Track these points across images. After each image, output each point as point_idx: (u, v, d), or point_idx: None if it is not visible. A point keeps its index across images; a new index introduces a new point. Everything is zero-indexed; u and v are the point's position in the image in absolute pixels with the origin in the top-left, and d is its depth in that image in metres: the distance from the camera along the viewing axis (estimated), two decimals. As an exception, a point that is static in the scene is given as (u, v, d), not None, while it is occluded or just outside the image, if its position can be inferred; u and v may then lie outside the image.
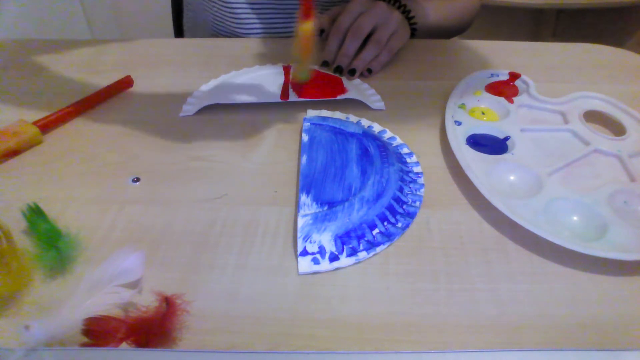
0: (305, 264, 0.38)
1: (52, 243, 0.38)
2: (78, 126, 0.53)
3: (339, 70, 0.60)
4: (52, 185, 0.46)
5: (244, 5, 0.70)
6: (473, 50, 0.67)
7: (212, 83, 0.59)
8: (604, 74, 0.62)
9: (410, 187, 0.45)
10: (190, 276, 0.38)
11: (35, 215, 0.40)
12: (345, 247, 0.39)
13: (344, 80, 0.59)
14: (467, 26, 0.78)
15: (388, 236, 0.40)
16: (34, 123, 0.51)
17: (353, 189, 0.43)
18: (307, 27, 0.49)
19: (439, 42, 0.68)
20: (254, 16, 0.71)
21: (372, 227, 0.41)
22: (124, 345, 0.32)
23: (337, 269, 0.38)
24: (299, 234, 0.40)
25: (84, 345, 0.32)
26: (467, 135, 0.50)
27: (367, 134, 0.49)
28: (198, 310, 0.35)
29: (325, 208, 0.41)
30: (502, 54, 0.65)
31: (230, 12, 0.70)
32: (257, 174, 0.47)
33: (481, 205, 0.43)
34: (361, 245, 0.40)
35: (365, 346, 0.33)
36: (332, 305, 0.36)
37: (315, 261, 0.38)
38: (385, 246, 0.40)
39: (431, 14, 0.70)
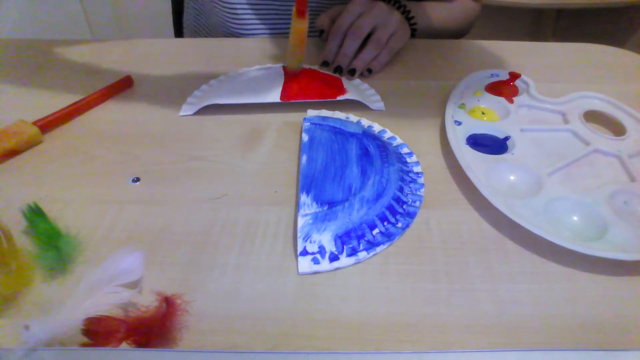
0: (305, 263, 0.38)
1: (52, 243, 0.38)
2: (78, 126, 0.53)
3: (338, 70, 0.60)
4: (52, 185, 0.46)
5: (245, 6, 0.70)
6: (473, 50, 0.67)
7: (212, 83, 0.59)
8: (604, 74, 0.62)
9: (410, 187, 0.45)
10: (190, 276, 0.38)
11: (35, 215, 0.40)
12: (345, 247, 0.39)
13: (344, 80, 0.59)
14: (467, 30, 0.78)
15: (388, 236, 0.40)
16: (34, 123, 0.51)
17: (353, 188, 0.43)
18: (301, 26, 0.51)
19: (439, 42, 0.68)
20: (254, 16, 0.71)
21: (372, 227, 0.41)
22: (124, 345, 0.32)
23: (337, 269, 0.38)
24: (299, 234, 0.40)
25: (84, 345, 0.32)
26: (467, 135, 0.50)
27: (367, 134, 0.49)
28: (198, 310, 0.35)
29: (325, 208, 0.41)
30: (502, 54, 0.65)
31: (231, 13, 0.70)
32: (257, 174, 0.47)
33: (481, 205, 0.43)
34: (361, 245, 0.40)
35: (365, 346, 0.33)
36: (332, 305, 0.36)
37: (315, 261, 0.38)
38: (385, 246, 0.40)
39: (431, 16, 0.70)
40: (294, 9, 0.50)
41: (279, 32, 0.72)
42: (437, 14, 0.71)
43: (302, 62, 0.56)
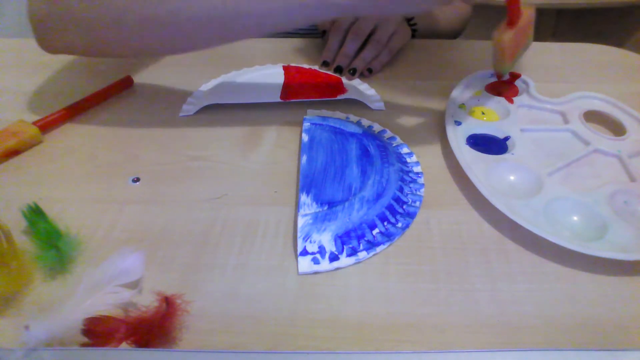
0: (305, 263, 0.38)
1: (52, 243, 0.38)
2: (78, 126, 0.53)
3: (339, 70, 0.60)
4: (52, 185, 0.46)
5: None
6: (473, 50, 0.67)
7: (212, 83, 0.59)
8: (604, 74, 0.62)
9: (410, 187, 0.45)
10: (190, 276, 0.38)
11: (35, 215, 0.40)
12: (345, 247, 0.39)
13: (344, 80, 0.59)
14: (461, 31, 0.79)
15: (388, 236, 0.40)
16: (34, 123, 0.51)
17: (353, 188, 0.43)
18: (507, 37, 0.48)
19: (439, 42, 0.68)
20: None
21: (372, 227, 0.41)
22: (124, 345, 0.32)
23: (337, 268, 0.38)
24: (299, 234, 0.40)
25: (84, 345, 0.32)
26: (467, 135, 0.50)
27: (367, 134, 0.49)
28: (198, 310, 0.35)
29: (325, 208, 0.41)
30: (502, 54, 0.65)
31: None
32: (257, 174, 0.47)
33: (481, 205, 0.43)
34: (361, 245, 0.40)
35: (365, 346, 0.33)
36: (332, 305, 0.36)
37: (315, 261, 0.38)
38: (385, 246, 0.40)
39: (429, 16, 0.70)
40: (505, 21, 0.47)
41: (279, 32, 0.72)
42: (435, 15, 0.71)
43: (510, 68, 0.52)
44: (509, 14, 0.47)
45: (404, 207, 0.43)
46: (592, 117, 0.53)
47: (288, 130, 0.52)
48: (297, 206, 0.42)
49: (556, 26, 1.66)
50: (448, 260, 0.39)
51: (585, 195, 0.43)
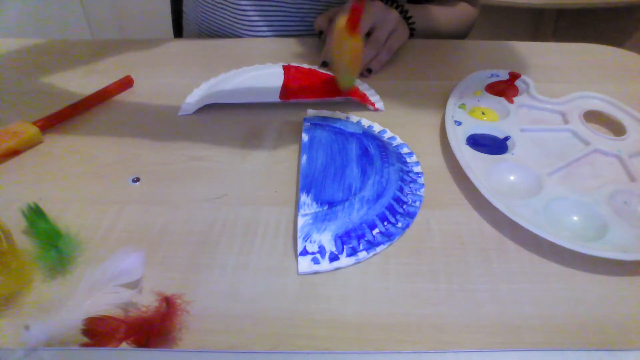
0: (305, 263, 0.38)
1: (52, 243, 0.38)
2: (78, 126, 0.53)
3: (338, 70, 0.60)
4: (52, 185, 0.46)
5: (256, 8, 0.70)
6: (473, 50, 0.67)
7: (212, 83, 0.59)
8: (604, 74, 0.62)
9: (410, 187, 0.45)
10: (190, 276, 0.38)
11: (35, 215, 0.40)
12: (345, 247, 0.39)
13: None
14: (465, 35, 0.78)
15: (388, 236, 0.40)
16: (34, 123, 0.51)
17: (353, 188, 0.43)
18: (356, 44, 0.50)
19: (439, 42, 0.68)
20: (265, 18, 0.71)
21: (372, 227, 0.41)
22: (124, 345, 0.32)
23: (337, 268, 0.38)
24: (299, 234, 0.40)
25: (84, 345, 0.32)
26: (467, 135, 0.50)
27: (367, 134, 0.49)
28: (198, 310, 0.35)
29: (325, 208, 0.41)
30: (502, 54, 0.65)
31: (240, 15, 0.70)
32: (257, 174, 0.47)
33: (481, 205, 0.43)
34: (361, 245, 0.40)
35: (365, 346, 0.33)
36: (332, 305, 0.36)
37: (315, 261, 0.38)
38: (385, 246, 0.40)
39: (428, 18, 0.70)
40: (344, 23, 0.48)
41: (284, 33, 0.72)
42: (434, 17, 0.71)
43: (355, 80, 0.54)
44: (350, 20, 0.48)
45: (404, 207, 0.43)
46: (592, 117, 0.53)
47: (288, 130, 0.52)
48: (297, 206, 0.42)
49: (556, 26, 1.67)
50: (448, 260, 0.39)
51: (585, 195, 0.43)
